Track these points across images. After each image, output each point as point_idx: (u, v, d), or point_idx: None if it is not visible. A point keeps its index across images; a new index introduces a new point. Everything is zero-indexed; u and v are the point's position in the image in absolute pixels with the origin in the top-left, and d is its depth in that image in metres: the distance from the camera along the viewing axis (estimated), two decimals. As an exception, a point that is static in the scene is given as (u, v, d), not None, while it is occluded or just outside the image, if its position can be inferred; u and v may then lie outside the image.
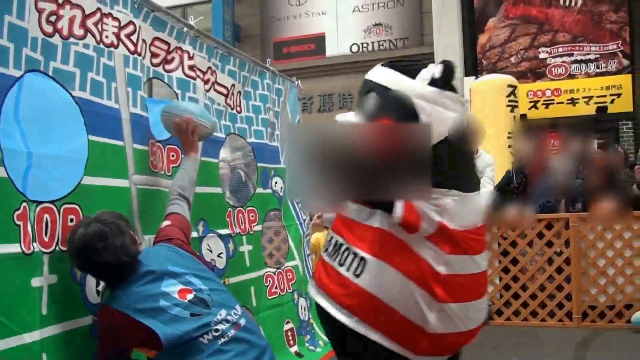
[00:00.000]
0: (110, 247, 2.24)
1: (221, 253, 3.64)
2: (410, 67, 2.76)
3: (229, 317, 2.39)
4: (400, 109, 2.60)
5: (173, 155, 3.24)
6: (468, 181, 2.71)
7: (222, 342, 2.31)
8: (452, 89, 2.65)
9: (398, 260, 2.64)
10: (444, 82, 2.64)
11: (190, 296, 2.36)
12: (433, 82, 2.64)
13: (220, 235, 3.66)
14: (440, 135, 2.55)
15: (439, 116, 2.59)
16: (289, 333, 4.36)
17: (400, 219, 2.49)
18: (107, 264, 2.25)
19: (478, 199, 2.75)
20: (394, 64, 2.77)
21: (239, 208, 3.95)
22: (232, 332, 2.35)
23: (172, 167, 3.22)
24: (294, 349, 4.35)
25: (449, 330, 2.71)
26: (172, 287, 2.35)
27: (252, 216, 4.08)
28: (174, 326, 2.26)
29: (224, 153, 3.95)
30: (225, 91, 3.83)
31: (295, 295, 4.56)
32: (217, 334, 2.32)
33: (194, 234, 3.39)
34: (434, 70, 2.64)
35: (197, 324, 2.29)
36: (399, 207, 2.55)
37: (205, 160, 3.52)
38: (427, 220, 2.57)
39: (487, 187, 5.95)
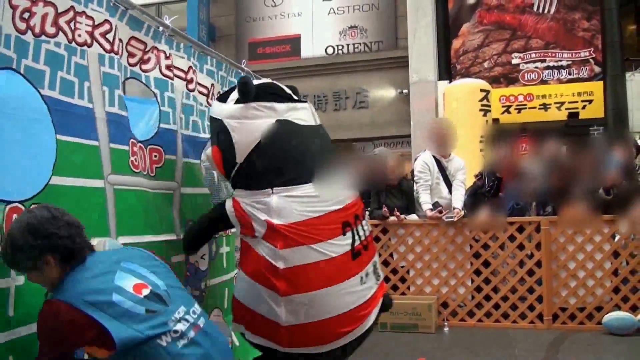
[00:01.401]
0: (60, 220, 2.14)
1: (204, 255, 3.61)
2: (225, 94, 3.26)
3: (187, 317, 2.25)
4: (219, 133, 3.08)
5: (156, 156, 3.20)
6: (310, 172, 2.98)
7: (182, 345, 2.16)
8: (268, 97, 3.08)
9: (246, 264, 3.01)
10: (247, 96, 3.04)
11: (145, 291, 2.20)
12: (238, 100, 3.06)
13: None
14: (250, 144, 2.98)
15: (248, 128, 2.99)
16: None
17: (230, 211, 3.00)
18: (58, 236, 2.11)
19: (325, 187, 2.99)
20: (219, 96, 3.33)
21: None
22: (191, 334, 2.21)
23: (155, 168, 3.19)
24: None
25: (305, 320, 2.90)
26: (126, 281, 2.18)
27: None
28: (128, 324, 2.07)
29: (205, 154, 3.92)
30: (206, 91, 3.81)
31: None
32: (176, 335, 2.17)
33: (182, 235, 3.38)
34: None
35: (153, 322, 2.13)
36: (227, 204, 3.05)
37: (189, 162, 3.50)
38: (256, 221, 2.91)
39: (459, 191, 6.01)
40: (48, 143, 2.43)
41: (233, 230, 4.08)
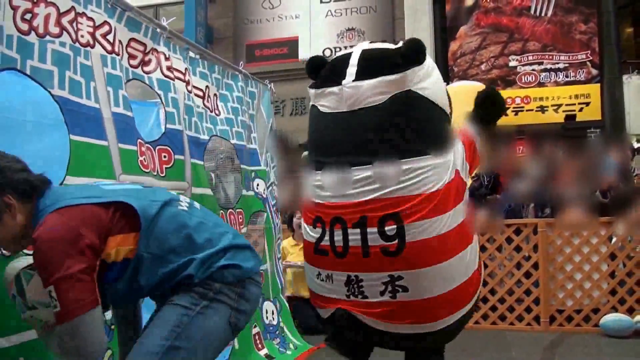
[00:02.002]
0: (8, 156, 1.94)
1: None
2: None
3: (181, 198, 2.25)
4: None
5: (165, 156, 3.22)
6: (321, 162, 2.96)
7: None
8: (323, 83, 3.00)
9: None
10: (315, 83, 3.08)
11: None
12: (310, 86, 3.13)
13: None
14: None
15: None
16: (256, 337, 4.35)
17: None
18: (11, 169, 1.89)
19: (327, 179, 2.91)
20: None
21: (230, 210, 3.94)
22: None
23: (165, 168, 3.20)
24: (264, 351, 4.34)
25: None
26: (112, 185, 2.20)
27: (240, 218, 4.08)
28: (137, 197, 2.01)
29: (207, 155, 3.93)
30: (201, 93, 3.82)
31: (260, 300, 4.54)
32: (188, 203, 2.22)
33: None
34: None
35: (159, 193, 2.17)
36: None
37: (195, 162, 3.51)
38: None
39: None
40: (62, 142, 2.45)
41: (244, 230, 4.11)
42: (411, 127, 2.80)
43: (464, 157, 2.97)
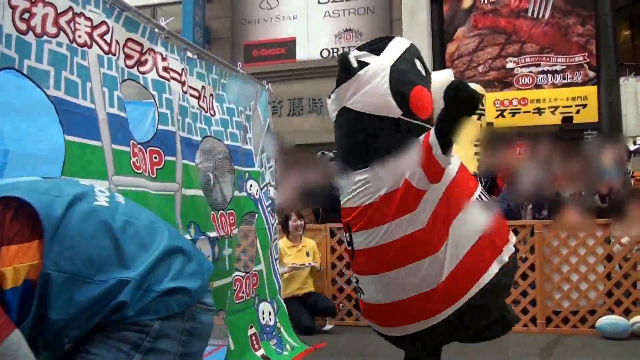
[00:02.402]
0: None
1: (208, 256, 3.62)
2: None
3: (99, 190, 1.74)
4: None
5: (156, 158, 3.21)
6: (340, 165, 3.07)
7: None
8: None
9: None
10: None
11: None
12: None
13: (209, 239, 3.65)
14: None
15: None
16: (253, 337, 4.35)
17: None
18: None
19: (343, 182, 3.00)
20: None
21: (221, 211, 3.94)
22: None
23: (156, 169, 3.19)
24: (260, 352, 4.34)
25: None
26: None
27: (232, 219, 4.07)
28: (35, 193, 1.50)
29: (199, 156, 3.93)
30: (197, 94, 3.81)
31: (256, 300, 4.55)
32: (107, 197, 1.68)
33: (187, 237, 3.37)
34: None
35: (70, 182, 1.76)
36: None
37: (186, 163, 3.51)
38: None
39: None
40: (57, 143, 2.44)
41: (235, 231, 4.10)
42: (350, 140, 2.96)
43: (420, 163, 2.77)
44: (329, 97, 3.09)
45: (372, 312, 3.13)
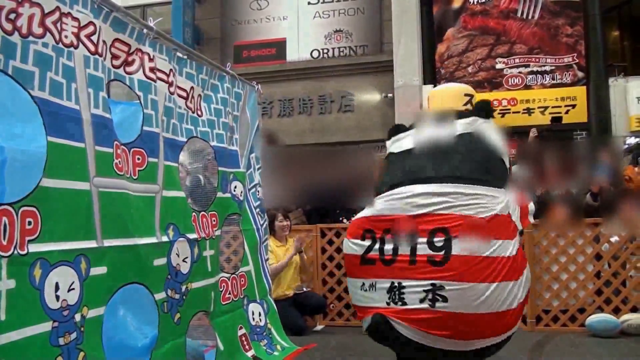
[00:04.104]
0: None
1: (186, 258, 3.60)
2: None
3: None
4: None
5: (139, 158, 3.19)
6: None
7: None
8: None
9: None
10: None
11: None
12: None
13: (188, 240, 3.63)
14: None
15: None
16: (243, 338, 4.34)
17: None
18: None
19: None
20: None
21: (202, 212, 3.92)
22: None
23: (139, 171, 3.17)
24: (251, 353, 4.33)
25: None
26: None
27: (214, 220, 4.05)
28: None
29: (183, 157, 3.91)
30: (184, 94, 3.80)
31: (245, 301, 4.54)
32: None
33: (165, 239, 3.36)
34: None
35: None
36: None
37: (169, 165, 3.49)
38: None
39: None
40: (40, 144, 2.42)
41: (217, 232, 4.09)
42: (483, 158, 3.32)
43: (518, 214, 3.27)
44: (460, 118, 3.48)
45: (452, 322, 3.08)
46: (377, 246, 3.21)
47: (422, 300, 3.07)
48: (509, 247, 3.09)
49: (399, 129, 3.69)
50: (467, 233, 3.00)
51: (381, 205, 3.30)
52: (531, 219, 3.44)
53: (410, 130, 3.52)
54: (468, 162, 3.20)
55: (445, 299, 3.03)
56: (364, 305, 3.38)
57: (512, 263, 3.08)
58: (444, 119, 3.42)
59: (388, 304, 3.18)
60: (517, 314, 3.18)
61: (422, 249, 3.07)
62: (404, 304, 3.12)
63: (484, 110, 3.41)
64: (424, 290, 3.05)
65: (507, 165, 3.34)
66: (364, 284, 3.30)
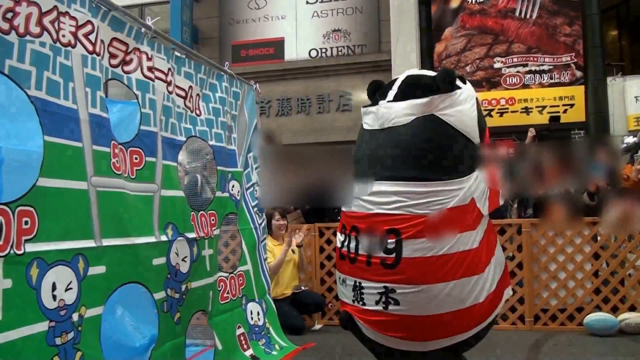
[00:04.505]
0: None
1: (186, 257, 3.60)
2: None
3: None
4: None
5: (136, 158, 3.19)
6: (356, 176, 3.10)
7: None
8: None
9: None
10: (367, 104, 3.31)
11: None
12: None
13: (187, 239, 3.63)
14: None
15: None
16: (242, 337, 4.34)
17: None
18: None
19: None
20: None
21: (201, 212, 3.92)
22: None
23: (136, 170, 3.17)
24: (249, 352, 4.33)
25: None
26: None
27: (213, 220, 4.05)
28: None
29: (182, 156, 3.91)
30: (183, 93, 3.80)
31: (244, 301, 4.54)
32: None
33: (163, 238, 3.35)
34: None
35: None
36: None
37: (167, 164, 3.49)
38: None
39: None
40: (36, 144, 2.42)
41: (216, 232, 4.08)
42: (428, 149, 2.94)
43: (486, 196, 3.07)
44: (387, 99, 3.14)
45: (405, 324, 3.00)
46: (346, 242, 3.13)
47: (377, 302, 3.00)
48: (470, 239, 2.94)
49: (378, 86, 3.37)
50: (419, 234, 2.87)
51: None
52: (502, 200, 3.25)
53: (374, 107, 3.18)
54: (420, 158, 2.95)
55: (397, 302, 2.95)
56: (341, 299, 3.35)
57: (474, 256, 2.94)
58: (406, 94, 3.07)
59: (353, 301, 3.15)
60: (486, 307, 3.02)
61: (376, 251, 2.99)
62: (364, 304, 3.07)
63: (446, 81, 3.00)
64: (378, 293, 2.99)
65: (477, 142, 3.05)
66: (339, 277, 3.26)
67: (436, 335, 2.98)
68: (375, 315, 3.04)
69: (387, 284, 2.95)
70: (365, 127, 3.20)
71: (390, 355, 3.14)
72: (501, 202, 3.24)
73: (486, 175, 3.02)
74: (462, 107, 3.00)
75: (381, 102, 3.13)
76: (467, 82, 3.25)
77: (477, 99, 3.17)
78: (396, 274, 2.92)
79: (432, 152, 2.94)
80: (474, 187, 2.96)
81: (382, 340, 3.10)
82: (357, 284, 3.08)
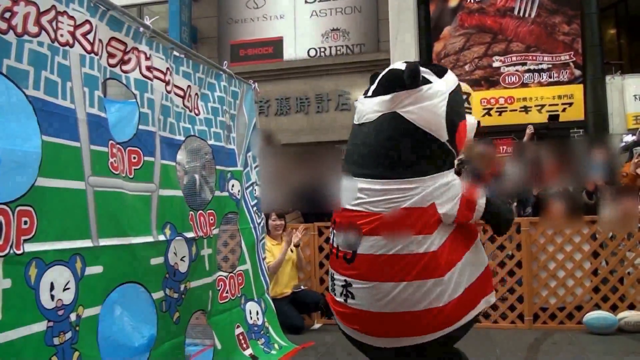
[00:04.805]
0: None
1: (184, 257, 3.60)
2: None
3: None
4: None
5: (135, 157, 3.19)
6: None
7: None
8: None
9: None
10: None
11: None
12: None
13: (186, 239, 3.63)
14: None
15: None
16: (241, 337, 4.34)
17: None
18: None
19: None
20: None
21: (200, 211, 3.91)
22: None
23: (134, 170, 3.17)
24: (248, 351, 4.33)
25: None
26: None
27: (212, 219, 4.05)
28: None
29: (181, 155, 3.90)
30: (182, 93, 3.80)
31: (243, 300, 4.54)
32: None
33: (161, 238, 3.35)
34: None
35: None
36: None
37: (166, 164, 3.49)
38: None
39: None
40: (34, 144, 2.42)
41: (215, 231, 4.08)
42: (388, 147, 2.94)
43: (457, 203, 2.94)
44: (365, 96, 3.16)
45: (359, 318, 3.05)
46: (331, 235, 3.23)
47: (341, 294, 3.10)
48: (426, 242, 2.87)
49: (375, 78, 3.30)
50: (374, 231, 2.89)
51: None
52: (478, 215, 3.01)
53: (359, 99, 3.21)
54: (380, 156, 2.94)
55: (353, 296, 3.02)
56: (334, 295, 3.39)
57: (430, 259, 2.87)
58: (386, 89, 3.04)
59: (330, 290, 3.28)
60: (449, 311, 2.92)
61: (341, 245, 3.06)
62: (335, 294, 3.18)
63: (410, 77, 2.92)
64: (341, 285, 3.08)
65: (444, 139, 2.97)
66: (330, 272, 3.31)
67: (393, 333, 2.98)
68: (340, 307, 3.14)
69: (347, 278, 3.04)
70: (354, 121, 3.24)
71: (364, 347, 3.21)
72: (473, 219, 3.03)
73: (463, 184, 2.99)
74: (426, 103, 2.94)
75: (359, 97, 3.19)
76: (449, 75, 3.16)
77: (453, 92, 3.06)
78: (353, 269, 2.99)
79: (391, 149, 2.93)
80: (438, 191, 2.90)
81: (347, 331, 3.21)
82: (331, 274, 3.20)
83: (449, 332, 2.95)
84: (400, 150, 2.92)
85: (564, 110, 10.69)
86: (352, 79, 12.33)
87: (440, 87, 3.00)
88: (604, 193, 5.78)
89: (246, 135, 4.78)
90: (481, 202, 2.98)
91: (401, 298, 2.87)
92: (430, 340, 2.93)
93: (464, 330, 3.05)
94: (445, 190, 2.91)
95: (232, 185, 4.41)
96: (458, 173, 3.28)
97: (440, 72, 3.11)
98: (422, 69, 3.03)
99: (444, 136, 2.95)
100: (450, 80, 3.10)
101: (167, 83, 3.58)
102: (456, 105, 3.04)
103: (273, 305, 5.01)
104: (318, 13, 12.80)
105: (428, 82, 2.99)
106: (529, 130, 7.27)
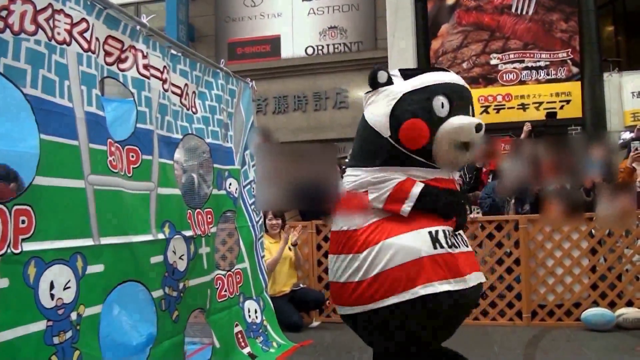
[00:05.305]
0: None
1: (183, 255, 3.60)
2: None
3: None
4: None
5: (133, 156, 3.19)
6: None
7: None
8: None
9: None
10: None
11: None
12: None
13: (184, 237, 3.62)
14: None
15: None
16: (239, 335, 4.34)
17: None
18: None
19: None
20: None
21: (198, 209, 3.91)
22: None
23: (133, 168, 3.17)
24: (247, 350, 4.33)
25: None
26: None
27: (209, 218, 4.04)
28: None
29: (178, 154, 3.90)
30: (179, 91, 3.79)
31: (241, 298, 4.54)
32: None
33: (161, 236, 3.35)
34: None
35: None
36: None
37: (163, 162, 3.48)
38: None
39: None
40: (32, 142, 2.41)
41: (213, 229, 4.08)
42: (355, 141, 3.42)
43: (385, 193, 3.15)
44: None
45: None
46: None
47: None
48: (353, 223, 3.19)
49: (374, 73, 3.48)
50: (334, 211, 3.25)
51: None
52: (407, 208, 3.11)
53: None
54: (353, 150, 3.39)
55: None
56: None
57: (351, 236, 3.17)
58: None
59: None
60: (363, 289, 3.08)
61: None
62: None
63: (369, 80, 3.28)
64: None
65: (386, 135, 3.16)
66: None
67: (333, 300, 3.46)
68: None
69: None
70: None
71: None
72: (404, 207, 3.12)
73: (392, 180, 3.16)
74: (378, 104, 3.23)
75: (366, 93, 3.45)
76: (419, 78, 3.23)
77: (410, 93, 3.15)
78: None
79: (355, 143, 3.39)
80: (374, 181, 3.16)
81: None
82: None
83: (370, 309, 3.10)
84: (358, 144, 3.35)
85: (561, 107, 10.70)
86: (349, 77, 12.33)
87: (396, 88, 3.22)
88: (602, 190, 5.80)
89: (244, 133, 4.77)
90: (415, 190, 3.12)
91: (332, 269, 3.28)
92: (356, 312, 3.17)
93: (395, 317, 3.07)
94: (379, 180, 3.15)
95: (230, 184, 4.40)
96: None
97: (408, 75, 3.27)
98: (394, 71, 3.31)
99: (385, 132, 3.17)
100: (416, 82, 3.21)
101: (165, 81, 3.57)
102: (407, 104, 3.15)
103: (271, 304, 5.01)
104: (315, 11, 12.80)
105: (391, 83, 3.26)
106: (527, 127, 7.28)
